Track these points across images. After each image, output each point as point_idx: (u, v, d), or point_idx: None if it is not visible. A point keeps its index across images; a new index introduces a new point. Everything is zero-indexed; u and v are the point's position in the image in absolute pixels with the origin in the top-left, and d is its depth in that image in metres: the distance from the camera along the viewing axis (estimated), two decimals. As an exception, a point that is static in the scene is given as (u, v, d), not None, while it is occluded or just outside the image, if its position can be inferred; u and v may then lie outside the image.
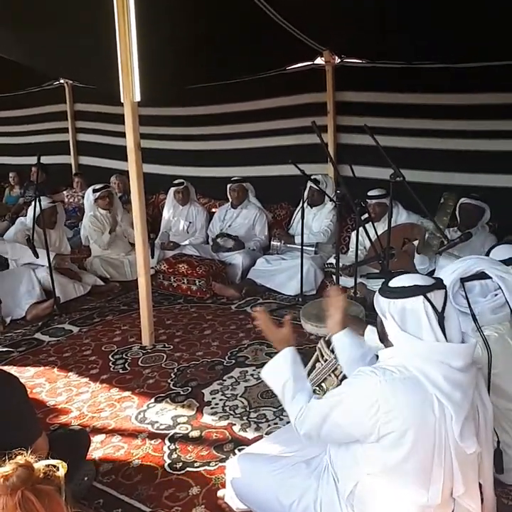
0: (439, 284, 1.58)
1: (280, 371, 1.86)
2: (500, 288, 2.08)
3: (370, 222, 3.52)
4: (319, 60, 5.17)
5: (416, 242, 3.74)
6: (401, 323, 1.55)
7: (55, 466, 1.02)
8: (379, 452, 1.53)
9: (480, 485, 1.67)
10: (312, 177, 4.55)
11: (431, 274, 3.55)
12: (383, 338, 1.65)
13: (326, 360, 2.32)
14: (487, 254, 2.45)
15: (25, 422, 1.82)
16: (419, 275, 1.65)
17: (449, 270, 2.14)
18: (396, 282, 1.62)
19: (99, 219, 5.13)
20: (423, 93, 4.68)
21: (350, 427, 1.57)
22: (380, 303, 1.62)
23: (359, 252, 3.98)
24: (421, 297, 1.53)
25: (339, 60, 5.10)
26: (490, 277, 2.10)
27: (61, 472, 1.03)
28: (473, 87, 4.41)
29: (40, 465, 1.00)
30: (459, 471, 1.52)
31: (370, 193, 4.39)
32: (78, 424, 2.70)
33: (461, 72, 4.43)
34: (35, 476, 0.98)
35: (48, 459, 1.03)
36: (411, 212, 4.36)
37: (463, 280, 2.10)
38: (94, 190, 5.14)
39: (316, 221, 4.93)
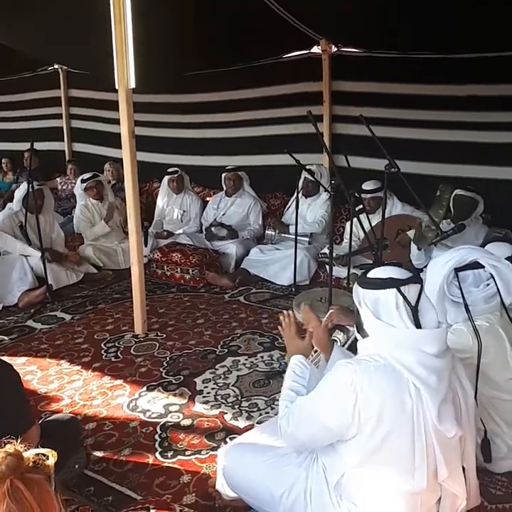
0: (414, 279, 1.60)
1: (285, 379, 1.92)
2: (492, 277, 2.10)
3: (365, 213, 3.51)
4: (316, 49, 5.13)
5: (411, 233, 3.74)
6: (375, 312, 1.59)
7: (44, 454, 1.02)
8: (360, 443, 1.54)
9: (464, 469, 1.69)
10: (307, 167, 4.54)
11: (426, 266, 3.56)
12: (359, 328, 1.68)
13: (316, 350, 2.33)
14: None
15: (20, 410, 1.82)
16: (397, 268, 1.66)
17: (443, 260, 2.15)
18: (374, 273, 1.65)
19: (90, 208, 5.10)
20: (419, 84, 4.66)
21: (332, 420, 1.57)
22: (358, 292, 1.66)
23: (353, 242, 3.99)
24: (394, 290, 1.57)
25: (336, 49, 5.07)
26: (483, 267, 2.11)
27: (51, 461, 1.03)
28: (470, 78, 4.39)
29: (29, 454, 1.00)
30: (441, 455, 1.54)
31: (364, 187, 4.37)
32: (70, 412, 2.70)
33: (458, 63, 4.42)
34: (24, 464, 0.98)
35: (38, 447, 1.03)
36: (406, 204, 4.36)
37: (457, 270, 2.11)
38: (83, 180, 5.10)
39: (311, 211, 4.92)
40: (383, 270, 1.65)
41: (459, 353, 2.08)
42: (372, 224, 3.66)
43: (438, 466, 1.55)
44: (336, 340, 2.31)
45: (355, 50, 5.03)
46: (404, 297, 1.56)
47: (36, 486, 0.97)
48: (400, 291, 1.56)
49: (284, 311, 2.10)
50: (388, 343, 1.56)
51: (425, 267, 3.56)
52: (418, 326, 1.56)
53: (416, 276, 1.62)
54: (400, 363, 1.52)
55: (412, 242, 3.74)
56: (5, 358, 3.25)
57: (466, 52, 4.32)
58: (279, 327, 2.08)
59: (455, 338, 2.10)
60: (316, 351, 2.27)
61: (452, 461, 1.60)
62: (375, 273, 1.65)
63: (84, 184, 5.06)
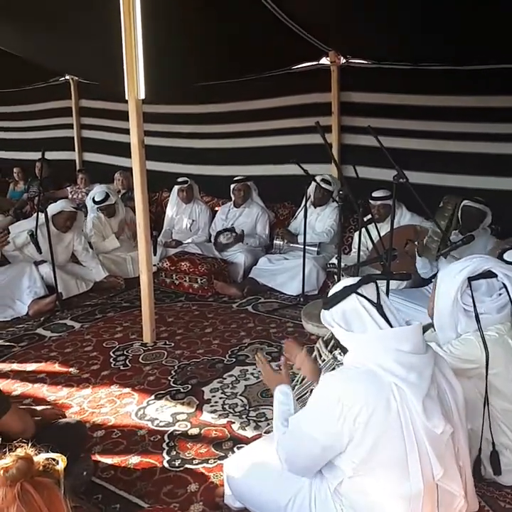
0: (365, 279, 1.69)
1: (274, 411, 1.95)
2: (504, 287, 2.09)
3: (374, 223, 3.51)
4: (324, 60, 5.17)
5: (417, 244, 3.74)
6: (346, 326, 1.65)
7: (54, 459, 1.03)
8: (352, 450, 1.55)
9: (460, 468, 1.69)
10: (320, 177, 4.54)
11: (434, 277, 3.55)
12: (340, 346, 1.75)
13: (324, 360, 2.32)
14: (500, 257, 2.47)
15: None
16: (347, 278, 1.76)
17: (457, 269, 2.14)
18: (330, 292, 1.74)
19: (102, 222, 5.18)
20: (428, 95, 4.67)
21: (323, 433, 1.58)
22: (325, 316, 1.72)
23: (361, 252, 3.99)
24: (354, 295, 1.65)
25: (345, 61, 5.10)
26: (496, 276, 2.11)
27: (60, 466, 1.04)
28: (478, 90, 4.40)
29: (39, 458, 1.01)
30: (433, 453, 1.55)
31: (374, 194, 4.39)
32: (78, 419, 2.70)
33: (467, 75, 4.43)
34: (34, 468, 0.99)
35: (49, 451, 1.04)
36: (415, 214, 4.36)
37: (470, 279, 2.11)
38: (95, 202, 5.13)
39: (320, 221, 4.93)
40: (336, 286, 1.74)
41: (467, 363, 2.08)
42: (381, 234, 3.66)
43: (432, 464, 1.55)
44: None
45: (364, 62, 5.06)
46: (365, 297, 1.63)
47: (46, 489, 0.98)
48: (358, 293, 1.65)
49: (255, 354, 2.18)
50: (365, 350, 1.60)
51: (432, 276, 3.57)
52: (388, 323, 1.62)
53: (366, 277, 1.71)
54: (378, 365, 1.55)
55: (416, 253, 3.74)
56: (15, 366, 3.32)
57: (476, 64, 4.33)
58: (260, 365, 2.13)
59: (464, 347, 2.10)
60: (324, 360, 2.27)
61: (446, 459, 1.60)
62: (331, 291, 1.74)
63: (95, 207, 5.12)
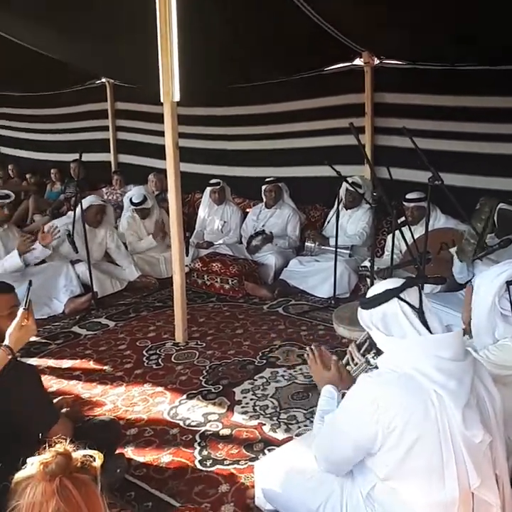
0: (408, 283, 1.64)
1: (317, 409, 1.94)
2: None
3: (407, 226, 3.46)
4: (358, 61, 5.12)
5: (453, 250, 3.67)
6: (385, 329, 1.62)
7: (91, 456, 1.05)
8: (386, 454, 1.54)
9: (497, 477, 1.65)
10: (350, 179, 4.51)
11: (469, 282, 3.48)
12: (374, 349, 1.74)
13: (356, 363, 2.30)
14: None
15: (40, 409, 1.85)
16: (390, 279, 1.71)
17: (496, 272, 2.10)
18: (370, 292, 1.69)
19: (137, 221, 5.27)
20: (463, 95, 4.57)
21: (356, 433, 1.57)
22: (363, 316, 1.69)
23: (395, 256, 3.93)
24: (395, 299, 1.60)
25: (378, 61, 5.05)
26: None
27: (97, 462, 1.06)
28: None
29: (77, 454, 1.04)
30: (470, 462, 1.51)
31: (408, 196, 4.32)
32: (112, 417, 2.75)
33: (503, 75, 4.32)
34: (73, 464, 1.01)
35: (86, 448, 1.06)
36: (449, 217, 4.28)
37: (509, 283, 2.07)
38: (132, 203, 5.22)
39: (351, 223, 4.89)
40: (377, 286, 1.69)
41: (503, 369, 2.02)
42: (415, 237, 3.60)
43: (469, 473, 1.52)
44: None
45: (398, 63, 4.99)
46: (407, 302, 1.59)
47: (84, 485, 1.00)
48: (400, 298, 1.60)
49: (307, 347, 2.14)
50: (404, 355, 1.57)
51: (468, 281, 3.49)
52: (429, 329, 1.58)
53: (410, 281, 1.66)
54: (417, 371, 1.53)
55: (454, 256, 3.67)
56: (51, 363, 3.40)
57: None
58: (308, 360, 2.11)
59: (501, 353, 2.05)
60: (356, 364, 2.26)
61: (483, 468, 1.56)
62: (371, 291, 1.69)
63: (131, 208, 5.23)
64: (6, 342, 1.73)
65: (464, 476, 1.52)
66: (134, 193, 5.34)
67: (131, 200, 5.25)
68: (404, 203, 4.29)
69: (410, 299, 1.60)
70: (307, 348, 2.15)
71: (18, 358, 1.84)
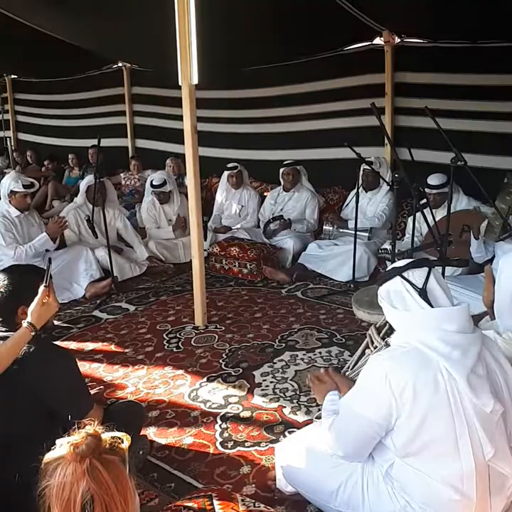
0: (416, 263, 1.71)
1: (322, 412, 1.99)
2: None
3: (429, 208, 3.41)
4: (378, 40, 5.02)
5: (479, 228, 3.60)
6: (390, 302, 1.72)
7: (119, 438, 1.07)
8: (401, 428, 1.57)
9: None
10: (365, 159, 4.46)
11: (490, 261, 3.42)
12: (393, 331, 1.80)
13: (376, 347, 2.30)
14: None
15: (77, 396, 1.88)
16: (406, 260, 1.77)
17: None
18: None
19: (156, 206, 5.31)
20: (486, 74, 4.47)
21: (371, 411, 1.61)
22: (377, 291, 1.79)
23: (415, 238, 3.88)
24: (398, 278, 1.69)
25: (399, 40, 4.94)
26: None
27: (125, 444, 1.07)
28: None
29: (106, 436, 1.05)
30: (483, 431, 1.54)
31: (430, 182, 4.21)
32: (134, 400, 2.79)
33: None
34: (102, 446, 1.03)
35: (114, 430, 1.08)
36: (471, 198, 4.20)
37: None
38: (152, 185, 5.27)
39: (371, 205, 4.84)
40: (393, 265, 1.78)
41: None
42: (437, 219, 3.55)
43: (482, 443, 1.54)
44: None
45: (419, 41, 4.88)
46: (409, 281, 1.66)
47: (113, 466, 1.01)
48: (403, 277, 1.68)
49: (307, 376, 2.25)
50: (410, 328, 1.65)
51: (486, 261, 3.43)
52: (431, 306, 1.63)
53: (419, 261, 1.73)
54: (423, 344, 1.58)
55: (472, 236, 3.60)
56: (73, 346, 3.45)
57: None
58: (311, 384, 2.18)
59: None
60: (375, 347, 2.26)
61: (497, 438, 1.58)
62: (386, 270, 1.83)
63: (151, 189, 5.27)
64: (29, 319, 1.77)
65: (478, 447, 1.55)
66: (156, 176, 5.38)
67: (151, 182, 5.29)
68: (426, 189, 4.22)
69: (414, 279, 1.67)
70: (308, 376, 2.27)
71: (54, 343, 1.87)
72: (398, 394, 1.54)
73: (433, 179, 4.18)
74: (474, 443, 1.54)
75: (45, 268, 1.86)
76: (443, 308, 1.64)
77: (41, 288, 1.80)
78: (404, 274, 1.68)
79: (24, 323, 1.76)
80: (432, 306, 1.64)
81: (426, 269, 1.68)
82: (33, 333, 1.76)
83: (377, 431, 1.64)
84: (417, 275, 1.67)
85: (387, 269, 1.78)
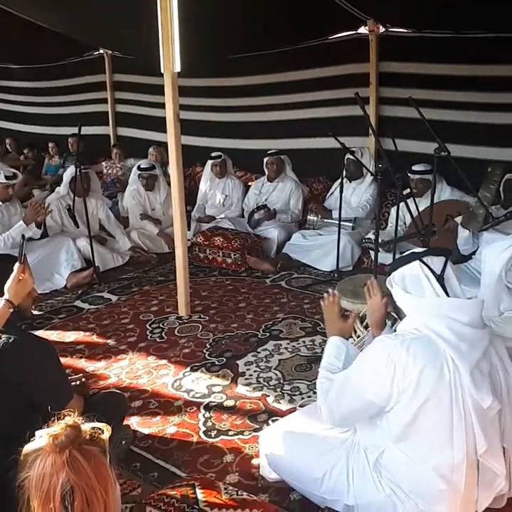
0: (435, 251, 1.73)
1: (323, 358, 1.96)
2: None
3: (412, 198, 3.43)
4: (363, 30, 5.00)
5: (459, 219, 3.64)
6: (403, 287, 1.70)
7: (100, 428, 1.05)
8: (399, 412, 1.57)
9: (504, 449, 1.68)
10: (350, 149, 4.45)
11: (473, 252, 3.46)
12: (398, 311, 1.77)
13: (359, 336, 2.31)
14: None
15: (57, 387, 1.86)
16: (419, 248, 1.80)
17: (503, 246, 2.09)
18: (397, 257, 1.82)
19: (142, 195, 5.25)
20: (471, 64, 4.48)
21: (371, 392, 1.61)
22: (388, 279, 1.78)
23: (399, 228, 3.91)
24: (417, 262, 1.68)
25: (384, 30, 4.93)
26: None
27: (106, 435, 1.06)
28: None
29: (86, 427, 1.04)
30: (478, 426, 1.55)
31: (414, 168, 4.26)
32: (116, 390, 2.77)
33: (510, 42, 4.22)
34: (82, 436, 1.01)
35: (94, 420, 1.06)
36: (455, 189, 4.23)
37: None
38: (139, 168, 5.25)
39: (355, 196, 4.85)
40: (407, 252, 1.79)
41: (508, 341, 2.03)
42: (420, 209, 3.57)
43: (476, 437, 1.56)
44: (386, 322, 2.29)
45: (404, 31, 4.88)
46: (428, 266, 1.66)
47: (93, 457, 1.00)
48: (422, 261, 1.67)
49: (330, 290, 2.13)
50: (420, 313, 1.63)
51: (473, 253, 3.47)
52: (447, 294, 1.64)
53: (437, 250, 1.74)
54: (432, 331, 1.57)
55: (459, 227, 3.64)
56: (54, 337, 3.40)
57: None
58: (322, 303, 2.10)
59: (506, 325, 2.06)
60: (358, 336, 2.26)
61: (490, 435, 1.60)
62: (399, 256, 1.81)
63: (138, 173, 5.23)
64: (6, 296, 1.78)
65: (471, 440, 1.56)
66: (142, 161, 5.39)
67: (139, 166, 5.27)
68: (409, 174, 4.25)
69: (433, 265, 1.66)
70: (329, 291, 2.15)
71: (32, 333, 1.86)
72: (401, 379, 1.54)
73: (417, 166, 4.23)
74: (468, 436, 1.55)
75: (20, 245, 1.87)
76: (459, 299, 1.64)
77: (16, 265, 1.82)
78: (424, 258, 1.67)
79: (1, 301, 1.77)
80: (447, 295, 1.64)
81: (443, 258, 1.69)
82: (11, 310, 1.77)
83: (368, 408, 1.65)
84: (436, 262, 1.67)
85: (405, 254, 1.76)
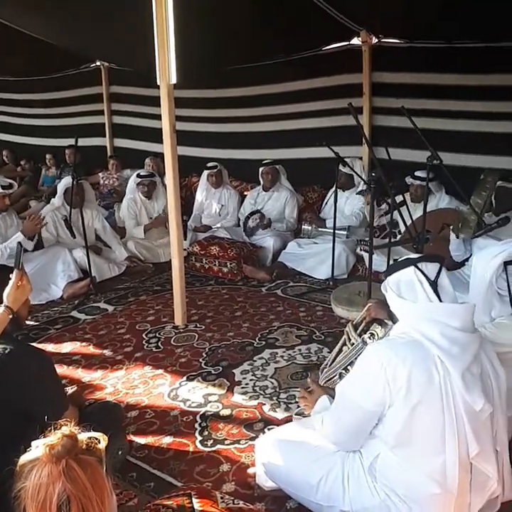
0: (429, 258, 1.75)
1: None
2: None
3: (406, 205, 3.46)
4: (356, 40, 5.06)
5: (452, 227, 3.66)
6: (398, 292, 1.73)
7: (96, 438, 1.07)
8: (393, 416, 1.59)
9: (496, 452, 1.70)
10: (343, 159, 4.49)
11: (466, 259, 3.48)
12: (391, 315, 1.83)
13: (353, 343, 2.34)
14: None
15: (53, 397, 1.87)
16: (414, 254, 1.84)
17: (493, 252, 2.12)
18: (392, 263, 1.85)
19: (138, 204, 5.26)
20: (463, 74, 4.54)
21: (365, 397, 1.63)
22: (383, 284, 1.81)
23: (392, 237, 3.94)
24: (412, 267, 1.71)
25: (376, 41, 4.99)
26: None
27: (102, 445, 1.07)
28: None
29: (83, 437, 1.05)
30: (470, 429, 1.57)
31: (417, 173, 4.31)
32: (113, 400, 2.77)
33: (501, 52, 4.27)
34: (78, 446, 1.02)
35: (90, 431, 1.07)
36: (453, 198, 4.27)
37: (506, 263, 2.08)
38: (138, 176, 5.27)
39: (349, 204, 4.89)
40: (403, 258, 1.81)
41: (499, 346, 2.05)
42: (415, 216, 3.60)
43: (468, 441, 1.57)
44: (374, 334, 2.31)
45: (397, 41, 4.94)
46: (422, 272, 1.68)
47: (89, 467, 1.01)
48: (417, 267, 1.70)
49: (308, 380, 2.33)
50: (413, 318, 1.66)
51: (466, 260, 3.50)
52: (440, 299, 1.66)
53: (432, 256, 1.76)
54: (423, 335, 1.60)
55: (451, 234, 3.67)
56: (50, 347, 3.41)
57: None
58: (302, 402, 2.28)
59: (497, 331, 2.08)
60: (352, 344, 2.30)
61: (482, 438, 1.62)
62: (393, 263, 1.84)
63: (139, 180, 5.24)
64: (5, 302, 1.80)
65: (464, 443, 1.58)
66: (140, 171, 5.43)
67: (138, 174, 5.30)
68: (410, 178, 4.29)
69: (427, 271, 1.70)
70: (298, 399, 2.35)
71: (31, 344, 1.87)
72: (392, 382, 1.57)
73: (419, 172, 4.27)
74: (460, 439, 1.57)
75: (17, 252, 1.89)
76: (451, 304, 1.67)
77: (15, 272, 1.83)
78: (419, 264, 1.70)
79: (1, 308, 1.79)
80: (440, 301, 1.67)
81: (438, 264, 1.72)
82: (10, 316, 1.78)
83: (369, 418, 1.67)
84: (430, 268, 1.70)
85: (400, 260, 1.79)
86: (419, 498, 1.62)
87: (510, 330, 2.04)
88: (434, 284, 1.67)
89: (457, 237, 3.47)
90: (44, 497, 0.98)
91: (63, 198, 4.59)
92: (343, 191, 4.88)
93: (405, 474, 1.63)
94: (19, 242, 1.93)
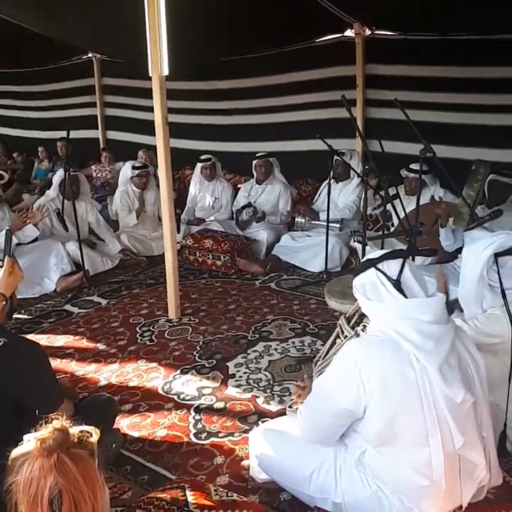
0: (390, 255, 1.71)
1: None
2: None
3: (399, 199, 3.46)
4: (349, 32, 5.05)
5: (450, 220, 3.67)
6: (364, 293, 1.72)
7: (88, 432, 1.06)
8: (374, 418, 1.59)
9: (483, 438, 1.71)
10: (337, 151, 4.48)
11: (459, 250, 3.49)
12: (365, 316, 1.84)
13: (346, 336, 2.33)
14: None
15: (48, 390, 1.86)
16: (381, 251, 1.80)
17: (483, 244, 2.12)
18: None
19: (130, 195, 5.22)
20: (456, 66, 4.54)
21: (340, 396, 1.63)
22: (353, 283, 1.79)
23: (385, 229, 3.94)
24: (372, 269, 1.69)
25: (370, 32, 4.97)
26: None
27: (94, 438, 1.07)
28: (509, 60, 4.25)
29: (74, 430, 1.04)
30: (453, 422, 1.57)
31: (412, 166, 4.30)
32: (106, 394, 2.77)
33: (495, 44, 4.27)
34: (70, 440, 1.02)
35: (82, 424, 1.07)
36: (448, 192, 4.28)
37: (497, 255, 2.09)
38: (134, 168, 5.23)
39: (342, 196, 4.89)
40: (368, 255, 1.80)
41: (490, 337, 2.07)
42: (407, 209, 3.60)
43: (453, 434, 1.58)
44: (367, 326, 2.32)
45: (390, 33, 4.92)
46: (383, 273, 1.67)
47: (81, 460, 1.01)
48: (377, 268, 1.68)
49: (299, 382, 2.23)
50: (384, 317, 1.66)
51: (458, 251, 3.50)
52: (405, 296, 1.65)
53: (392, 253, 1.72)
54: (397, 333, 1.59)
55: (440, 225, 3.67)
56: (44, 341, 3.40)
57: (508, 33, 4.17)
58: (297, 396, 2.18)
59: (489, 322, 2.09)
60: (345, 336, 2.30)
61: (467, 428, 1.62)
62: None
63: (135, 172, 5.20)
64: None
65: (448, 437, 1.58)
66: (133, 162, 5.39)
67: (133, 165, 5.26)
68: (405, 171, 4.28)
69: (389, 270, 1.68)
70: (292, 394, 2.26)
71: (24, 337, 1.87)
72: (366, 382, 1.56)
73: (415, 164, 4.25)
74: (444, 434, 1.56)
75: (7, 239, 1.92)
76: (417, 299, 1.65)
77: (6, 259, 1.85)
78: (379, 265, 1.68)
79: None
80: (405, 297, 1.65)
81: (400, 260, 1.69)
82: (4, 303, 1.80)
83: (343, 419, 1.67)
84: (392, 266, 1.68)
85: (362, 261, 1.78)
86: (408, 490, 1.63)
87: (501, 321, 2.05)
88: (397, 283, 1.65)
89: (442, 227, 3.46)
90: (35, 491, 0.98)
91: (58, 190, 4.56)
92: (337, 183, 4.87)
93: (391, 469, 1.64)
94: (8, 229, 1.93)
